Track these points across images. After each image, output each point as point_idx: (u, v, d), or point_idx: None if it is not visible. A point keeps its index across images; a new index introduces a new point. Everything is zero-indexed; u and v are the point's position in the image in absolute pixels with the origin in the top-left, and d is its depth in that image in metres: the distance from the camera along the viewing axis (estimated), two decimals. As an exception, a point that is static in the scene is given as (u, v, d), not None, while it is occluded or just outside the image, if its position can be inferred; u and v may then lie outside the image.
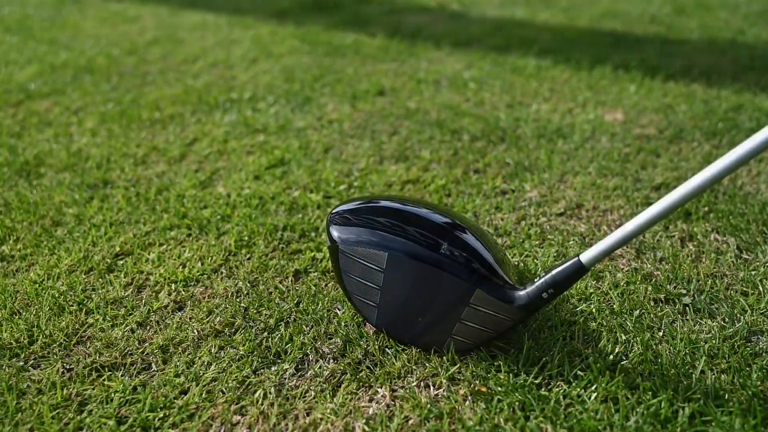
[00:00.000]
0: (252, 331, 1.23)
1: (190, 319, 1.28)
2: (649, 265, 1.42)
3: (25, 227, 1.65)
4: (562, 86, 2.60)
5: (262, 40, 3.46)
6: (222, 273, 1.42)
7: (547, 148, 2.02)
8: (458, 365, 1.12)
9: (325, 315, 1.27)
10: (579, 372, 1.10)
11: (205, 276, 1.41)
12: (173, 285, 1.38)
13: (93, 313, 1.31)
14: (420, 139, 2.11)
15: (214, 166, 1.96)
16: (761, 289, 1.33)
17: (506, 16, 3.95)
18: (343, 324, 1.24)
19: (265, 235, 1.55)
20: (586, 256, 1.05)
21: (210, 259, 1.46)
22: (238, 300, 1.33)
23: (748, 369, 1.11)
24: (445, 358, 1.14)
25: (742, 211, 1.63)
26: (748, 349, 1.16)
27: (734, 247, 1.48)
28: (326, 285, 1.36)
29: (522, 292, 1.10)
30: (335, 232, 1.19)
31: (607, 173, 1.85)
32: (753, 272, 1.39)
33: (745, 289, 1.34)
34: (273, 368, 1.14)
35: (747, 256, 1.45)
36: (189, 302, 1.33)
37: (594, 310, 1.26)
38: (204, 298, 1.34)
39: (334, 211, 1.25)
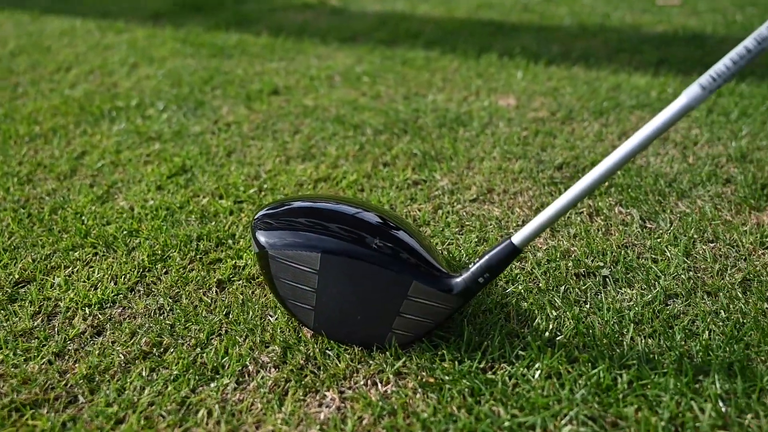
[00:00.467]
0: (183, 348, 1.16)
1: (113, 343, 1.19)
2: (565, 242, 1.47)
3: None
4: (453, 75, 2.67)
5: (138, 44, 3.30)
6: (139, 291, 1.34)
7: (450, 137, 2.06)
8: (402, 359, 1.11)
9: (259, 323, 1.22)
10: (520, 352, 1.12)
11: (122, 296, 1.32)
12: (87, 309, 1.28)
13: (1, 348, 1.19)
14: (323, 137, 2.08)
15: (110, 179, 1.84)
16: (668, 255, 1.42)
17: (387, 10, 4.01)
18: (279, 330, 1.19)
19: (179, 246, 1.47)
20: (518, 238, 1.07)
21: (123, 277, 1.37)
22: (161, 317, 1.25)
23: (671, 331, 1.18)
24: (388, 353, 1.12)
25: (638, 183, 1.73)
26: (667, 312, 1.23)
27: (638, 218, 1.57)
28: (253, 292, 1.31)
29: (458, 279, 1.11)
30: (263, 238, 1.15)
31: (511, 157, 1.91)
32: (658, 240, 1.48)
33: (654, 256, 1.42)
34: (213, 384, 1.08)
35: (650, 225, 1.55)
36: (108, 325, 1.24)
37: (522, 290, 1.29)
38: (124, 319, 1.25)
39: (257, 216, 1.21)
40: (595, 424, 0.98)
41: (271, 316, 1.24)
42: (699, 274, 1.36)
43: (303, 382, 1.08)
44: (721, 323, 1.20)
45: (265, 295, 1.30)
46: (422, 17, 3.78)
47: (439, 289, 1.10)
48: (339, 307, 1.13)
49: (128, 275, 1.38)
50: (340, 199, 1.47)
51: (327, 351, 1.14)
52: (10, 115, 2.35)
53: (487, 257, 1.10)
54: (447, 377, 1.07)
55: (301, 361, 1.12)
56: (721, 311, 1.23)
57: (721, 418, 0.98)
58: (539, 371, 1.08)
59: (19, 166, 1.94)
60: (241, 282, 1.34)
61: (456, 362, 1.10)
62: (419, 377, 1.08)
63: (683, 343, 1.15)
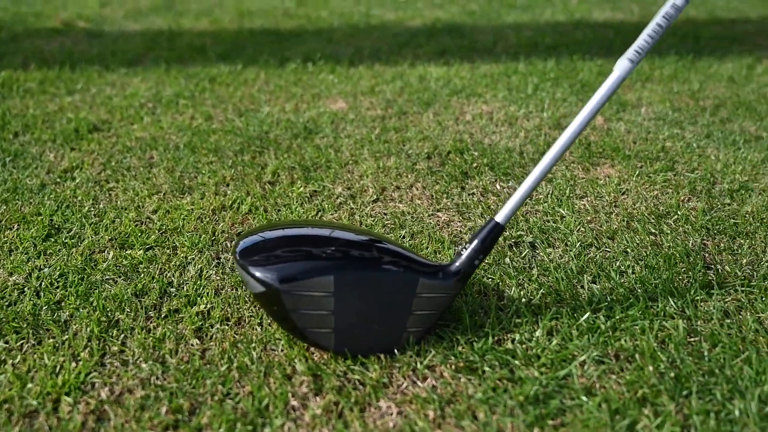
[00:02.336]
0: (211, 404, 1.09)
1: (126, 424, 1.06)
2: (479, 221, 1.65)
3: None
4: (269, 86, 2.71)
5: None
6: (112, 362, 1.18)
7: (312, 146, 2.12)
8: (427, 354, 1.18)
9: (269, 360, 1.18)
10: (516, 320, 1.26)
11: (96, 372, 1.16)
12: (68, 397, 1.11)
13: None
14: (185, 166, 1.97)
15: None
16: (561, 213, 1.67)
17: (149, 28, 3.83)
18: (296, 360, 1.17)
19: (121, 308, 1.33)
20: (500, 216, 1.21)
21: (82, 353, 1.21)
22: (160, 382, 1.14)
23: (606, 272, 1.42)
24: (409, 352, 1.18)
25: (502, 160, 1.98)
26: (590, 258, 1.47)
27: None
28: (236, 333, 1.26)
29: (456, 266, 1.21)
30: (267, 275, 1.12)
31: (380, 155, 2.04)
32: (545, 203, 1.73)
33: (552, 218, 1.66)
34: (267, 429, 1.05)
35: (533, 193, 1.79)
36: (107, 407, 1.09)
37: (478, 269, 1.43)
38: (119, 395, 1.12)
39: (240, 255, 1.17)
40: (606, 359, 1.16)
41: (273, 350, 1.21)
42: (592, 225, 1.63)
43: (353, 401, 1.09)
44: (631, 259, 1.47)
45: (238, 334, 1.26)
46: (192, 31, 3.67)
47: (442, 279, 1.19)
48: (357, 322, 1.16)
49: (84, 351, 1.22)
50: (306, 222, 1.50)
51: (352, 367, 1.16)
52: None
53: (477, 240, 1.21)
54: (473, 357, 1.17)
55: (337, 383, 1.13)
56: (627, 249, 1.51)
57: (684, 319, 1.23)
58: (540, 331, 1.23)
59: None
60: (217, 326, 1.28)
61: (473, 343, 1.20)
62: (451, 365, 1.16)
63: (621, 280, 1.39)
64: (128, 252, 1.52)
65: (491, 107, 2.43)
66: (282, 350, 1.20)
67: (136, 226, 1.63)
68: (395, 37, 3.37)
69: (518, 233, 1.58)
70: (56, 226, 1.64)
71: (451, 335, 1.22)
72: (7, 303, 1.35)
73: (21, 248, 1.54)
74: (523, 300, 1.32)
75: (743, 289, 1.36)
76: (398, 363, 1.17)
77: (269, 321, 1.27)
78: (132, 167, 1.96)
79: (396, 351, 1.18)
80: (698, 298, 1.33)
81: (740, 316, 1.28)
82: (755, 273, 1.42)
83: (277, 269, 1.14)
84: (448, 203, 1.74)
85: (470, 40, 3.33)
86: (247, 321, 1.28)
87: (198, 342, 1.23)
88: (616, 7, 4.16)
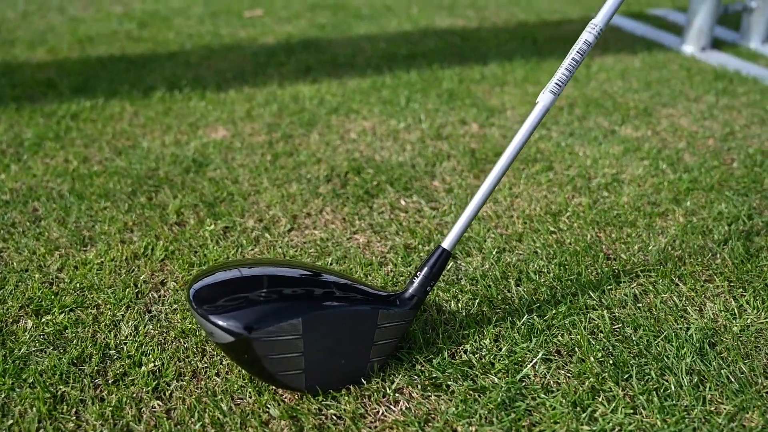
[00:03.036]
0: None
1: None
2: (385, 246, 1.73)
3: None
4: (137, 119, 2.55)
5: None
6: None
7: (207, 180, 2.06)
8: (392, 378, 1.23)
9: (240, 411, 1.17)
10: (464, 332, 1.35)
11: None
12: None
13: None
14: (64, 222, 1.84)
15: None
16: (478, 225, 1.80)
17: None
18: (266, 406, 1.17)
19: None
20: (446, 242, 1.28)
21: None
22: None
23: (519, 275, 1.55)
24: (374, 380, 1.23)
25: (409, 176, 2.07)
26: (507, 263, 1.61)
27: (425, 204, 1.91)
28: (196, 387, 1.23)
29: (409, 292, 1.27)
30: (233, 323, 1.12)
31: (280, 183, 2.04)
32: (449, 216, 1.85)
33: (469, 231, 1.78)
34: None
35: (436, 206, 1.90)
36: None
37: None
38: None
39: (196, 303, 1.15)
40: (551, 356, 1.28)
41: (241, 398, 1.20)
42: (499, 230, 1.76)
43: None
44: (543, 258, 1.63)
45: (211, 381, 1.23)
46: (30, 62, 3.32)
47: (399, 309, 1.24)
48: (324, 358, 1.19)
49: None
50: (251, 261, 1.50)
51: (325, 402, 1.19)
52: None
53: (426, 267, 1.27)
54: (436, 374, 1.24)
55: (316, 421, 1.15)
56: (536, 249, 1.65)
57: (604, 308, 1.39)
58: (487, 339, 1.32)
59: None
60: (174, 383, 1.24)
61: (431, 360, 1.27)
62: (417, 385, 1.22)
63: (541, 280, 1.53)
64: (47, 318, 1.42)
65: (371, 123, 2.50)
66: (251, 397, 1.20)
67: (46, 288, 1.52)
68: (254, 56, 3.34)
69: (430, 249, 1.67)
70: None
71: (409, 355, 1.29)
72: None
73: None
74: (463, 311, 1.42)
75: (643, 273, 1.55)
76: (368, 391, 1.21)
77: (226, 369, 1.26)
78: (17, 223, 1.81)
79: (363, 380, 1.23)
80: (609, 287, 1.50)
81: (648, 299, 1.46)
82: (648, 258, 1.62)
83: (244, 316, 1.13)
84: (362, 224, 1.79)
85: (330, 54, 3.38)
86: (203, 372, 1.26)
87: (160, 403, 1.19)
88: (453, 14, 4.41)
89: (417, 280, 1.27)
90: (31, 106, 2.66)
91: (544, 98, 1.28)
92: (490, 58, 3.37)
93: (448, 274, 1.56)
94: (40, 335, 1.35)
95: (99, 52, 3.47)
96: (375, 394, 1.20)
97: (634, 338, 1.33)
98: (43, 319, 1.40)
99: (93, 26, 4.00)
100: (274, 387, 1.21)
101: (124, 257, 1.63)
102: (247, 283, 1.25)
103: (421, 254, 1.64)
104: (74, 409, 1.17)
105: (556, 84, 1.27)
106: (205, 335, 1.33)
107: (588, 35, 1.27)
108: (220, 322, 1.12)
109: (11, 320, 1.41)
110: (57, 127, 2.45)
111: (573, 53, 1.27)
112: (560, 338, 1.33)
